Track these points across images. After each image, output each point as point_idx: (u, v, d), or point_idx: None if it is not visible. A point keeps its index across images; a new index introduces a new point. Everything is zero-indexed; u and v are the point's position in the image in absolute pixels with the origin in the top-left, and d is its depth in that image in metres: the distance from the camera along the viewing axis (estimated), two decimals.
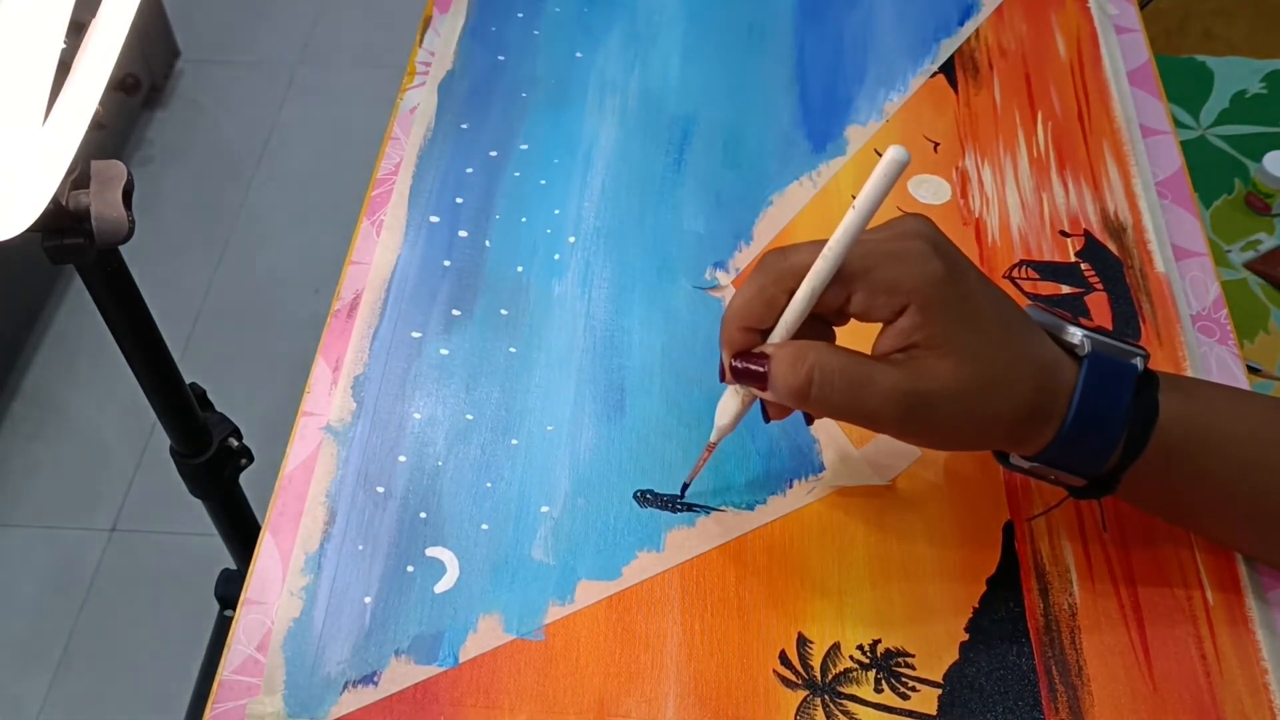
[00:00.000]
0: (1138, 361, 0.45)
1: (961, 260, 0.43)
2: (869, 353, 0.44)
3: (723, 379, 0.47)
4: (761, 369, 0.44)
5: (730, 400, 0.48)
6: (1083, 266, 0.61)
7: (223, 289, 1.62)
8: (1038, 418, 0.44)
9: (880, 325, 0.44)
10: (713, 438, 0.50)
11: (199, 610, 1.24)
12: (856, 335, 0.46)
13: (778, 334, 0.45)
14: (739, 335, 0.45)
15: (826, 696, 0.48)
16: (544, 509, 0.53)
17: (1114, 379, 0.44)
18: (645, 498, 0.53)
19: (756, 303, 0.44)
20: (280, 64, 1.90)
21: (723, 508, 0.53)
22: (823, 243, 0.43)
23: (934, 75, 0.71)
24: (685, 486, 0.53)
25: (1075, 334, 0.45)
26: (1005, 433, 0.45)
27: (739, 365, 0.45)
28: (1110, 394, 0.44)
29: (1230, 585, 0.50)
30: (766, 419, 0.48)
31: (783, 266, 0.44)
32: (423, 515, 0.53)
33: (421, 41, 0.74)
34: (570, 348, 0.59)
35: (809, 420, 0.53)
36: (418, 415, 0.56)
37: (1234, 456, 0.46)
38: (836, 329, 0.46)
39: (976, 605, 0.50)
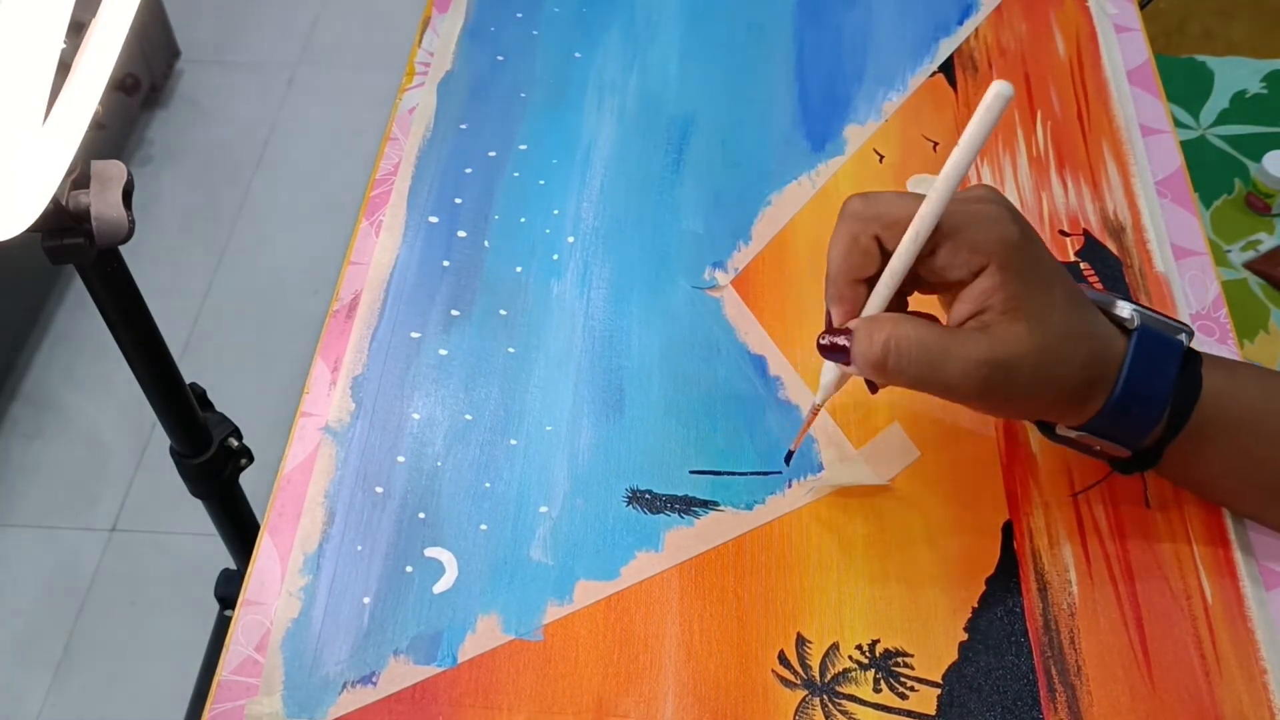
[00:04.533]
0: (1183, 338, 0.46)
1: (1031, 228, 0.44)
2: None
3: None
4: (845, 344, 0.44)
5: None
6: (1082, 266, 0.61)
7: (223, 289, 1.62)
8: (1090, 386, 0.44)
9: (946, 299, 0.44)
10: (818, 399, 0.49)
11: (199, 610, 1.24)
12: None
13: (876, 298, 0.45)
14: (849, 291, 0.45)
15: (825, 696, 0.48)
16: (542, 509, 0.53)
17: (1161, 353, 0.45)
18: (643, 498, 0.53)
19: (854, 253, 0.44)
20: (280, 64, 1.90)
21: (722, 507, 0.53)
22: (898, 194, 0.43)
23: (933, 75, 0.71)
24: (790, 454, 0.53)
25: (1125, 308, 0.46)
26: (1065, 399, 0.45)
27: (825, 342, 0.45)
28: (1157, 367, 0.45)
29: (1230, 585, 0.50)
30: (873, 389, 0.48)
31: (868, 213, 0.44)
32: (421, 515, 0.53)
33: (420, 42, 0.74)
34: (569, 348, 0.59)
35: (872, 390, 0.51)
36: (416, 415, 0.56)
37: (1273, 433, 0.47)
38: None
39: (975, 605, 0.50)
